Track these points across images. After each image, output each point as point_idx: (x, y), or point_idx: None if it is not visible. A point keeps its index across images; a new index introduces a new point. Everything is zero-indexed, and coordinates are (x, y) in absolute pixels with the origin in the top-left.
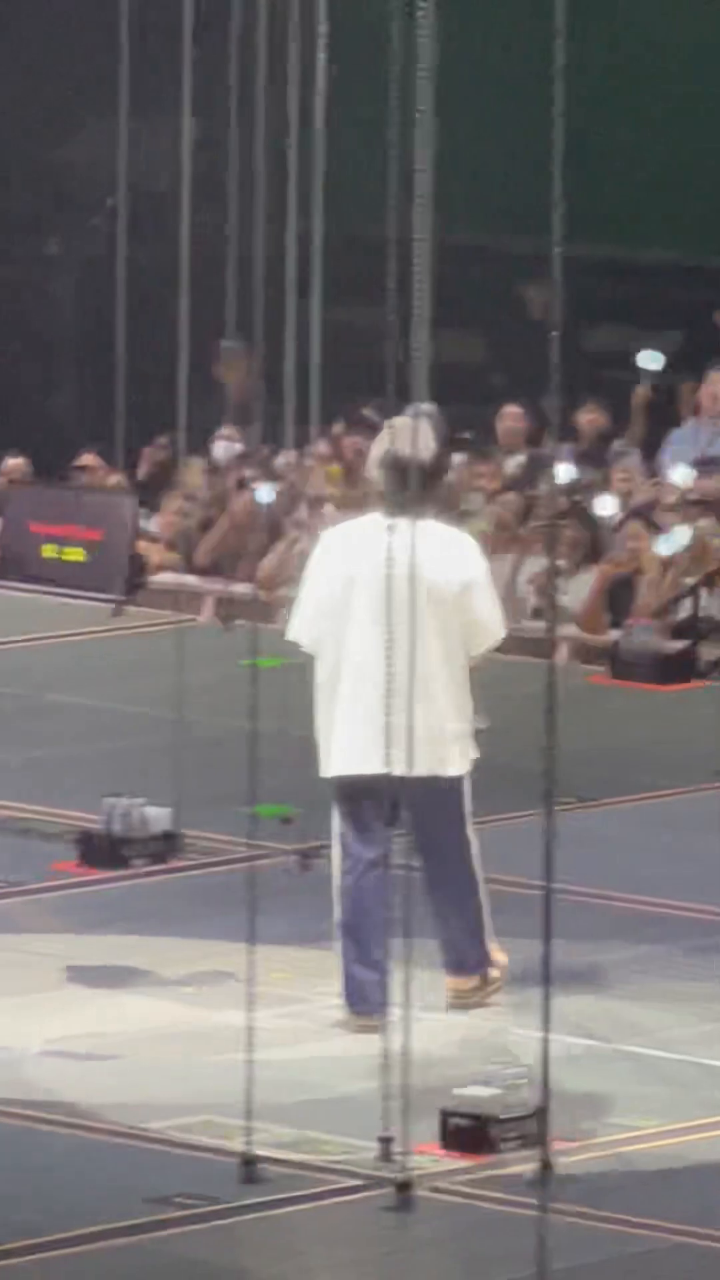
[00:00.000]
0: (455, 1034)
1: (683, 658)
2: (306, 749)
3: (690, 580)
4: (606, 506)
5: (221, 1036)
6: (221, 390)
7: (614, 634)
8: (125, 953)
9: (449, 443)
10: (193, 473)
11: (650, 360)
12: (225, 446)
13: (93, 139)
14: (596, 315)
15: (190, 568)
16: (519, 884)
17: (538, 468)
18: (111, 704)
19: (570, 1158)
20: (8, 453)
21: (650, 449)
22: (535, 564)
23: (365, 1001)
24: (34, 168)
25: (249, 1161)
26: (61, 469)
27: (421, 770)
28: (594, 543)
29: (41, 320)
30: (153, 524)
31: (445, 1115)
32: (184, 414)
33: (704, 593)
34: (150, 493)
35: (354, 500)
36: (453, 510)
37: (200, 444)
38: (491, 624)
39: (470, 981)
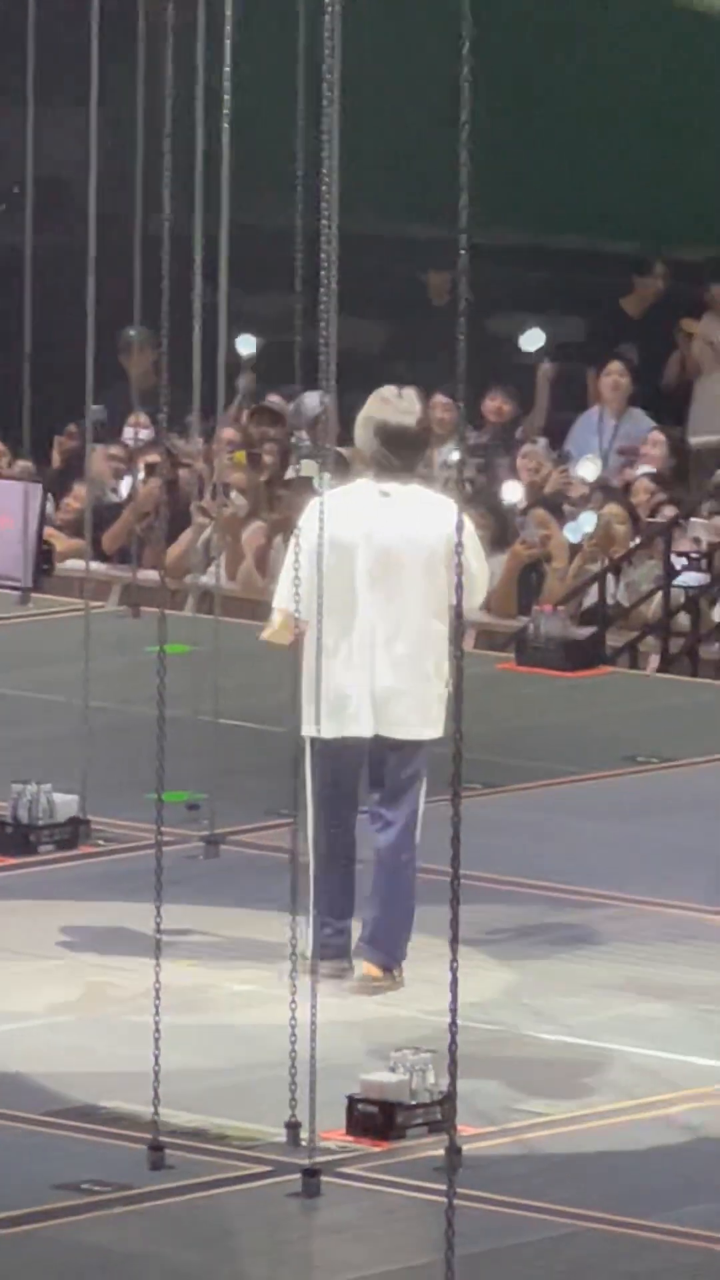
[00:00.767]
0: (362, 1020)
1: (590, 644)
2: (213, 735)
3: (596, 567)
4: (512, 493)
5: (128, 1024)
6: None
7: (522, 621)
8: (33, 939)
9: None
10: (99, 460)
11: (531, 341)
12: (133, 434)
13: None
14: (503, 302)
15: (98, 555)
16: (426, 870)
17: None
18: (19, 691)
19: (477, 1144)
20: None
21: (558, 436)
22: None
23: (333, 948)
24: None
25: (157, 1148)
26: None
27: (405, 734)
28: (500, 530)
29: None
30: (60, 512)
31: (352, 1101)
32: (90, 402)
33: (611, 579)
34: (60, 481)
35: (257, 484)
36: None
37: (109, 432)
38: (480, 577)
39: (379, 971)
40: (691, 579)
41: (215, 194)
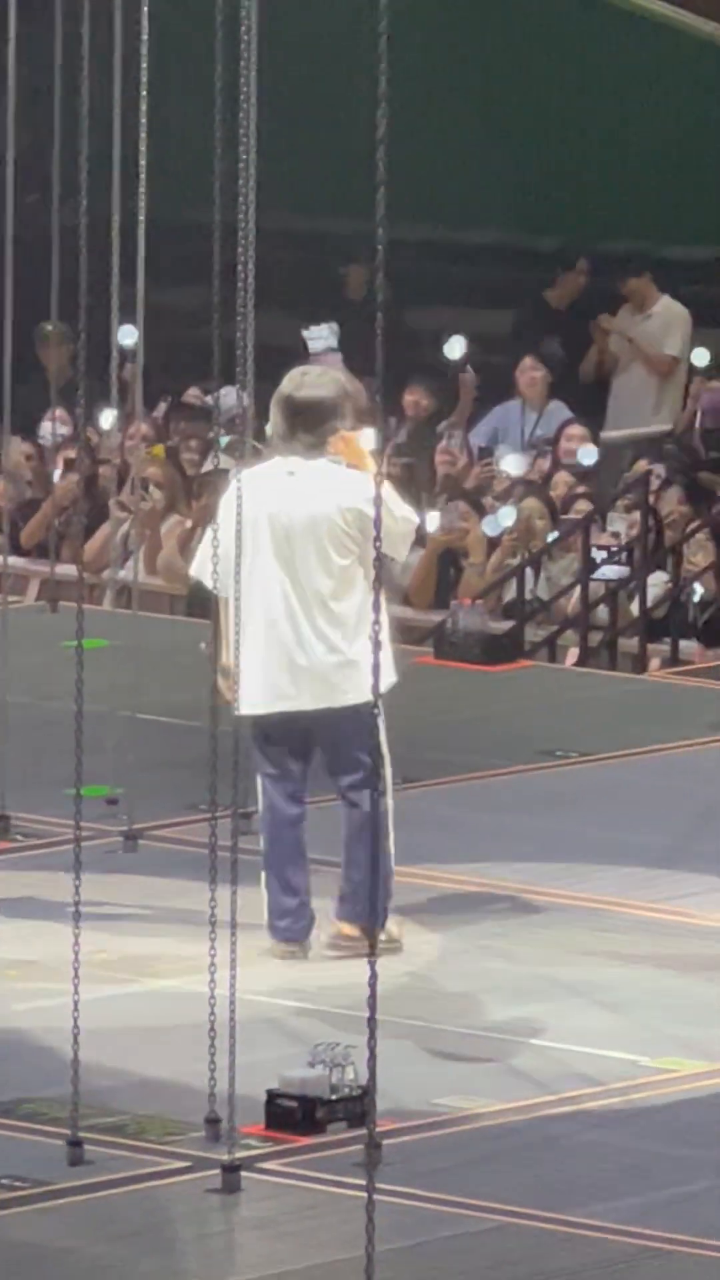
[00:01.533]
0: (281, 1015)
1: (508, 639)
2: (131, 729)
3: (515, 561)
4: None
5: (46, 1020)
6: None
7: (440, 615)
8: None
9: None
10: (15, 454)
11: (453, 350)
12: (49, 428)
13: None
14: (424, 296)
15: (15, 550)
16: (337, 867)
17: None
18: None
19: (397, 1138)
20: None
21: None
22: None
23: (289, 930)
24: None
25: (75, 1144)
26: None
27: (322, 703)
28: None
29: None
30: None
31: (271, 1096)
32: (8, 395)
33: (530, 573)
34: None
35: (173, 479)
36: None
37: (24, 425)
38: (397, 529)
39: (354, 930)
40: (611, 572)
41: (133, 188)
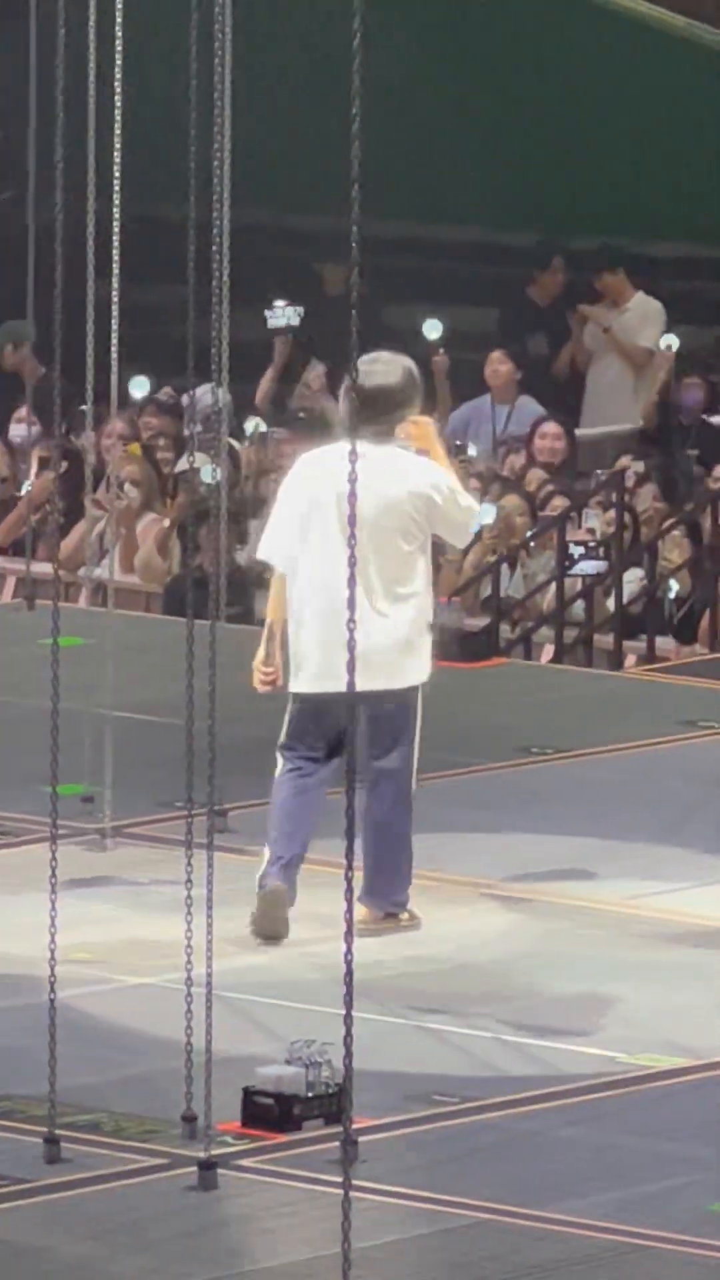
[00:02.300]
0: (257, 1012)
1: (485, 635)
2: (107, 727)
3: (493, 558)
4: None
5: (23, 1018)
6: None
7: None
8: None
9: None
10: None
11: (431, 329)
12: (22, 428)
13: None
14: (401, 292)
15: None
16: (322, 861)
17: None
18: None
19: (373, 1135)
20: None
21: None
22: None
23: (276, 879)
24: None
25: (52, 1141)
26: None
27: (376, 685)
28: None
29: None
30: None
31: (248, 1093)
32: None
33: (506, 570)
34: None
35: (150, 477)
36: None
37: None
38: (458, 518)
39: (367, 913)
40: (589, 567)
41: (108, 185)
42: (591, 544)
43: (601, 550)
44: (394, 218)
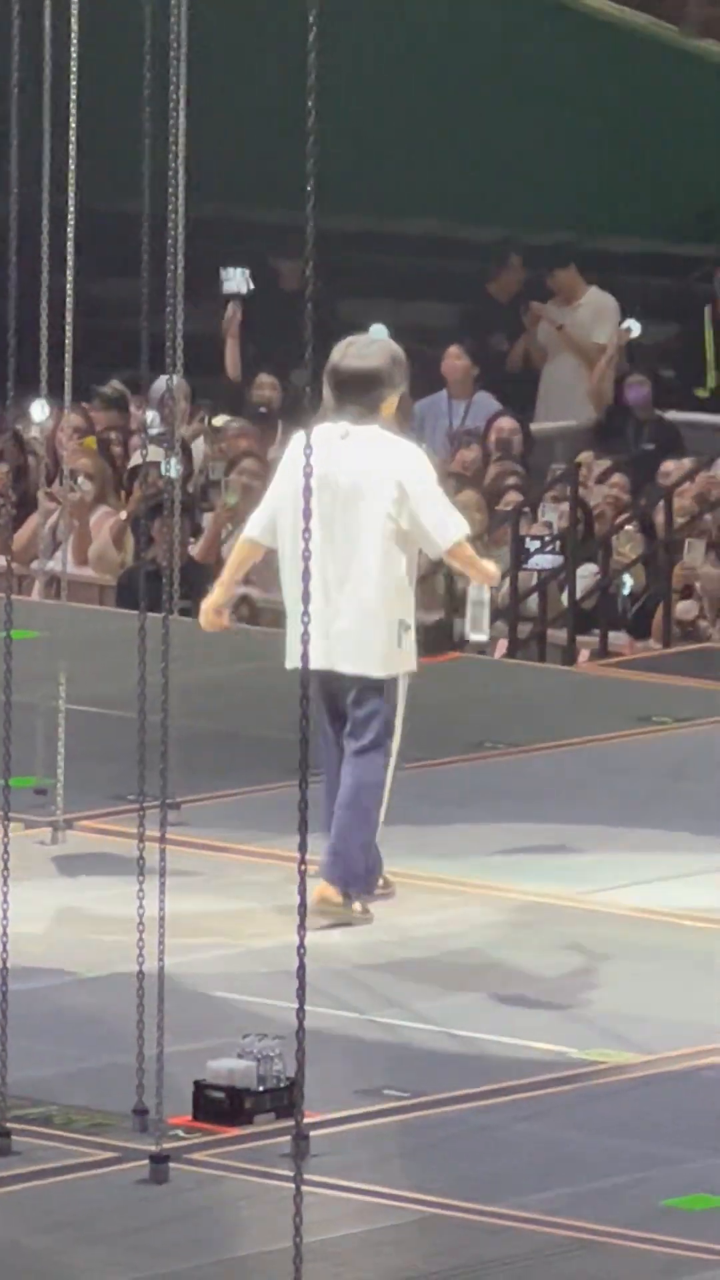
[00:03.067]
0: (210, 1006)
1: (438, 630)
2: (60, 720)
3: None
4: None
5: None
6: None
7: None
8: None
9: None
10: None
11: (377, 334)
12: None
13: None
14: (358, 288)
15: None
16: (275, 855)
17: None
18: None
19: (326, 1130)
20: None
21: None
22: None
23: (325, 869)
24: None
25: (3, 1134)
26: None
27: (348, 668)
28: None
29: None
30: None
31: (199, 1087)
32: None
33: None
34: None
35: (104, 470)
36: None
37: None
38: (433, 532)
39: (338, 896)
40: (545, 561)
41: (63, 177)
42: (546, 538)
43: (557, 545)
44: (351, 212)
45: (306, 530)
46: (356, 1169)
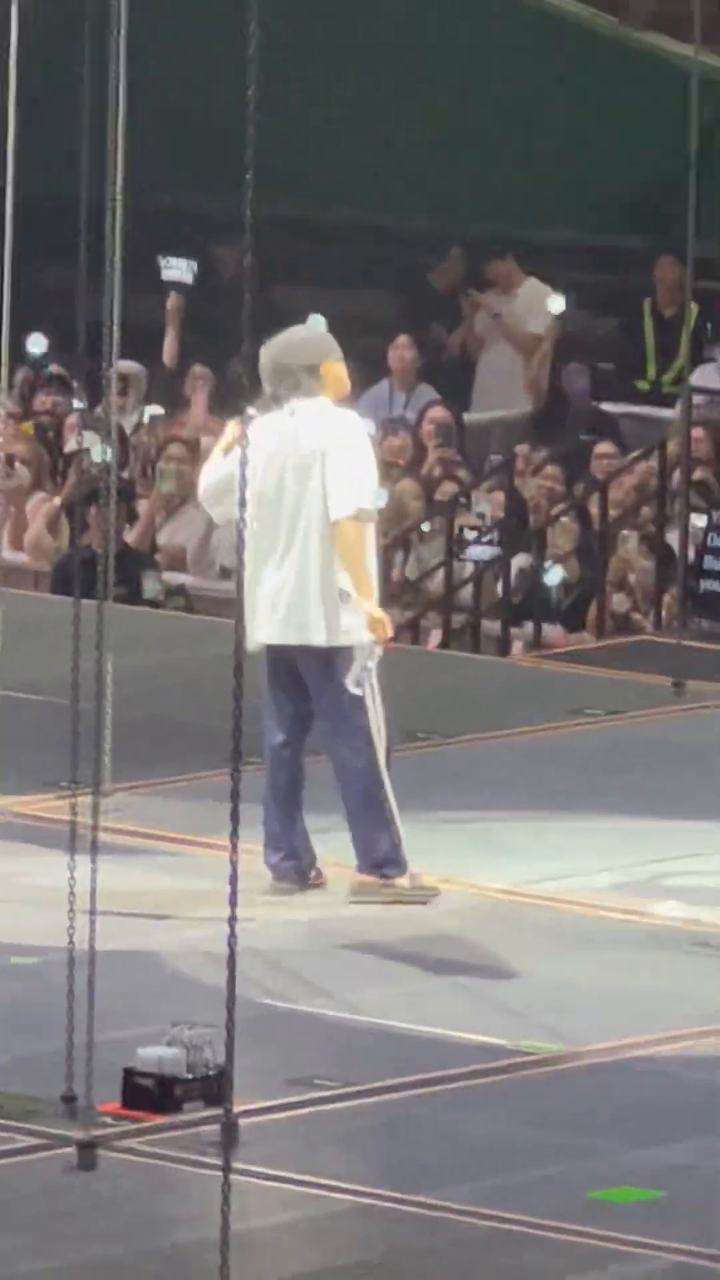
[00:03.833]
0: (140, 994)
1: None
2: (10, 707)
3: (386, 541)
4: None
5: None
6: None
7: None
8: None
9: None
10: None
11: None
12: None
13: None
14: (295, 275)
15: None
16: (207, 844)
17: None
18: None
19: (255, 1118)
20: None
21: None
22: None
23: (275, 868)
24: None
25: None
26: None
27: (294, 638)
28: None
29: None
30: None
31: (128, 1074)
32: None
33: (400, 555)
34: None
35: (40, 456)
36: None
37: None
38: (329, 497)
39: (361, 877)
40: (481, 552)
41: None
42: (482, 529)
43: (495, 536)
44: (290, 200)
45: (241, 520)
46: (286, 1158)
